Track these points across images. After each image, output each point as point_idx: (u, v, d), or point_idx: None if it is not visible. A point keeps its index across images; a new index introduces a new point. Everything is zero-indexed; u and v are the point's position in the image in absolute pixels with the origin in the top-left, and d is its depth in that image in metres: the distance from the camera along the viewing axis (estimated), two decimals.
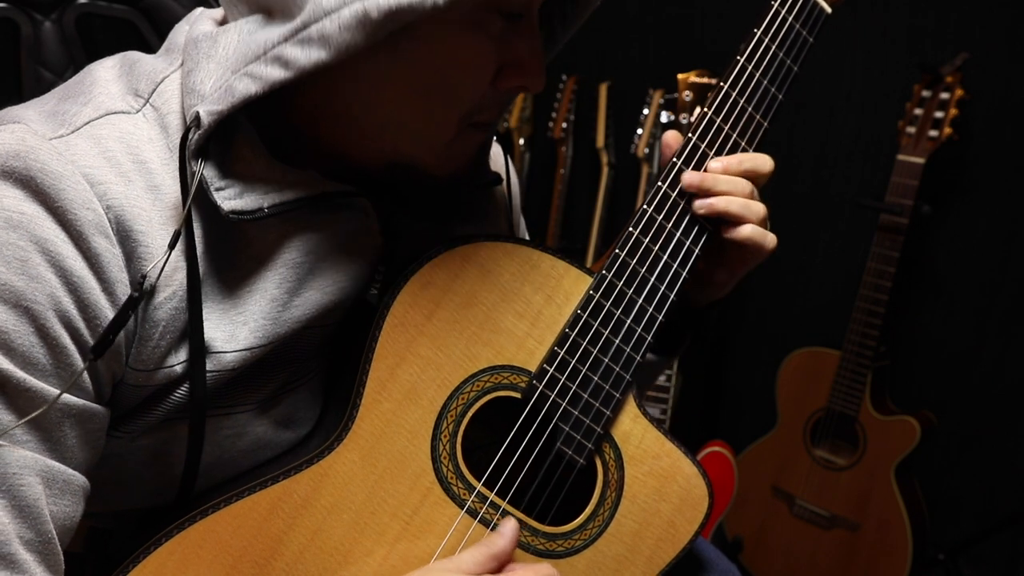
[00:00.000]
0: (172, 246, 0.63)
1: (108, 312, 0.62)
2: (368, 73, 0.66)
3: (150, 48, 0.75)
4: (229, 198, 0.65)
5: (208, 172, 0.64)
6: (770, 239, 0.81)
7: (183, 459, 0.70)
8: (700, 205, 0.79)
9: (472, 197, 0.86)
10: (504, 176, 0.88)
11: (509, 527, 0.72)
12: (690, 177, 0.79)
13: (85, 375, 0.62)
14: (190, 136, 0.63)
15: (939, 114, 1.74)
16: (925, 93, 1.76)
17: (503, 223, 0.90)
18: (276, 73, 0.62)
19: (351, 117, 0.69)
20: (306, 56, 0.61)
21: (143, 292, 0.62)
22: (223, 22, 0.70)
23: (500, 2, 0.65)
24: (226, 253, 0.67)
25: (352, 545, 0.70)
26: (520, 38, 0.69)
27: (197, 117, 0.63)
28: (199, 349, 0.65)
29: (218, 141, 0.65)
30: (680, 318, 0.90)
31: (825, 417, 1.92)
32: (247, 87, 0.62)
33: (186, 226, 0.64)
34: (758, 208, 0.79)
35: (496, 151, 0.90)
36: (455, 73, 0.67)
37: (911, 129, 1.77)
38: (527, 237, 1.02)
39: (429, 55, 0.66)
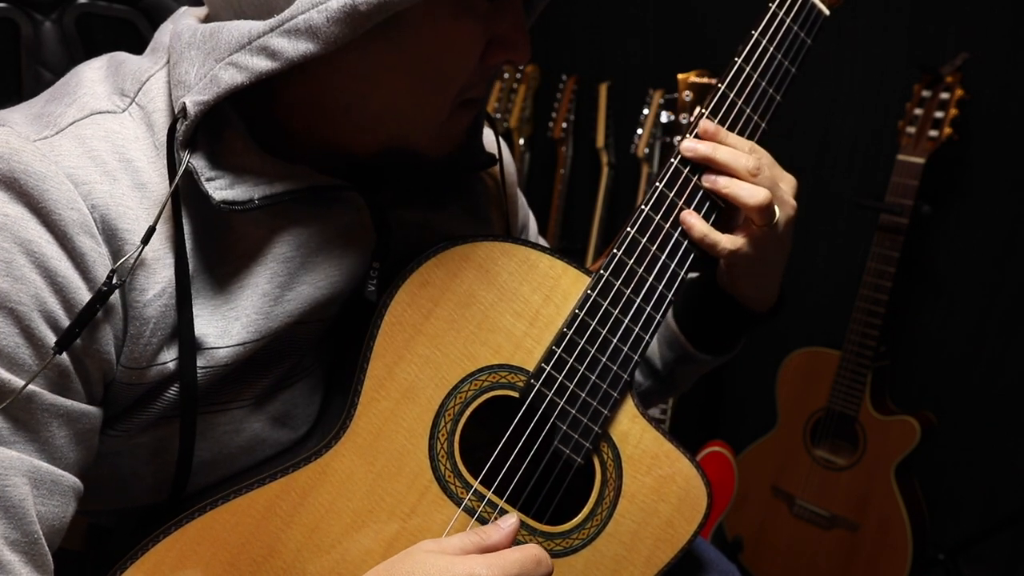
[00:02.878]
0: (145, 241, 0.62)
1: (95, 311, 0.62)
2: (358, 64, 0.66)
3: None
4: (220, 188, 0.65)
5: (198, 162, 0.64)
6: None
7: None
8: (706, 180, 0.80)
9: (464, 180, 0.86)
10: (497, 157, 0.88)
11: (508, 523, 0.71)
12: (688, 143, 0.79)
13: (74, 376, 0.62)
14: (178, 126, 0.63)
15: (939, 114, 1.74)
16: (925, 93, 1.76)
17: (494, 207, 0.90)
18: (263, 64, 0.62)
19: (343, 107, 0.69)
20: (293, 47, 0.61)
21: (112, 286, 0.61)
22: (206, 20, 0.70)
23: None
24: (216, 248, 0.67)
25: (350, 543, 0.70)
26: (504, 13, 0.69)
27: (184, 108, 0.63)
28: (189, 344, 0.66)
29: (207, 133, 0.65)
30: (737, 321, 0.90)
31: (825, 417, 1.92)
32: (233, 77, 0.62)
33: (175, 221, 0.64)
34: (760, 192, 0.78)
35: (488, 134, 0.90)
36: (446, 56, 0.68)
37: (911, 129, 1.77)
38: (529, 214, 1.02)
39: (419, 41, 0.66)
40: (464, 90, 0.71)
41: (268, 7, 0.64)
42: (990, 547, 1.90)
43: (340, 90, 0.68)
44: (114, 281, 0.62)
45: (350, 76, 0.67)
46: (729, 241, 0.80)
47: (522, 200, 0.99)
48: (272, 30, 0.62)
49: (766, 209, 0.78)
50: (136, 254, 0.63)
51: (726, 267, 0.84)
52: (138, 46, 0.77)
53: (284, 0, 0.63)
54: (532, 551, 0.68)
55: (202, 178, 0.64)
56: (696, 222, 0.79)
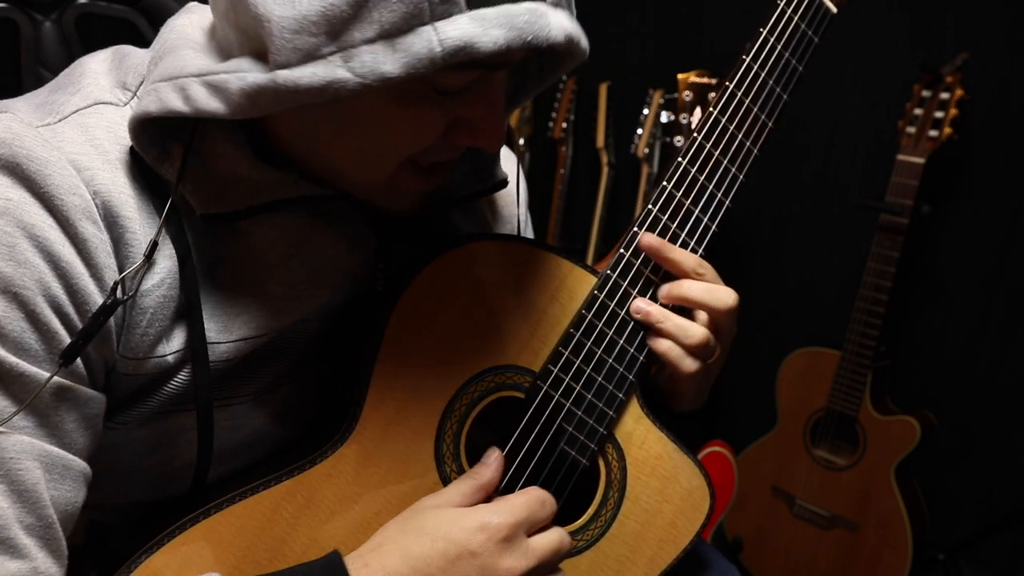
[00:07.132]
0: (148, 256, 0.63)
1: (97, 298, 0.61)
2: (297, 123, 0.65)
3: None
4: (205, 200, 0.65)
5: (180, 176, 0.64)
6: (687, 364, 0.77)
7: (183, 452, 0.70)
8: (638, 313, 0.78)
9: (468, 206, 0.85)
10: (514, 180, 0.86)
11: (493, 457, 0.73)
12: (638, 304, 0.78)
13: (79, 362, 0.62)
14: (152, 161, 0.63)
15: (939, 114, 1.73)
16: (925, 93, 1.76)
17: (503, 228, 0.89)
18: (176, 103, 0.61)
19: (296, 148, 0.68)
20: (206, 101, 0.60)
21: (116, 300, 0.61)
22: (211, 27, 0.69)
23: (431, 80, 0.61)
24: (218, 244, 0.67)
25: (356, 546, 0.70)
26: (473, 98, 0.64)
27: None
28: (200, 342, 0.65)
29: (198, 136, 0.65)
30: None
31: (825, 417, 1.92)
32: (148, 104, 0.62)
33: (171, 220, 0.64)
34: (695, 334, 0.77)
35: (507, 154, 0.88)
36: (388, 137, 0.64)
37: (911, 129, 1.76)
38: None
39: (356, 120, 0.63)
40: (419, 157, 0.67)
41: (227, 49, 0.63)
42: (990, 547, 1.90)
43: (285, 134, 0.67)
44: (118, 295, 0.61)
45: (291, 130, 0.66)
46: (692, 365, 0.78)
47: (529, 220, 0.96)
48: (199, 75, 0.61)
49: (705, 346, 0.77)
50: (141, 266, 0.62)
51: (668, 380, 0.82)
52: (138, 46, 0.77)
53: (238, 48, 0.61)
54: (535, 493, 0.71)
55: (185, 192, 0.64)
56: (665, 346, 0.78)
